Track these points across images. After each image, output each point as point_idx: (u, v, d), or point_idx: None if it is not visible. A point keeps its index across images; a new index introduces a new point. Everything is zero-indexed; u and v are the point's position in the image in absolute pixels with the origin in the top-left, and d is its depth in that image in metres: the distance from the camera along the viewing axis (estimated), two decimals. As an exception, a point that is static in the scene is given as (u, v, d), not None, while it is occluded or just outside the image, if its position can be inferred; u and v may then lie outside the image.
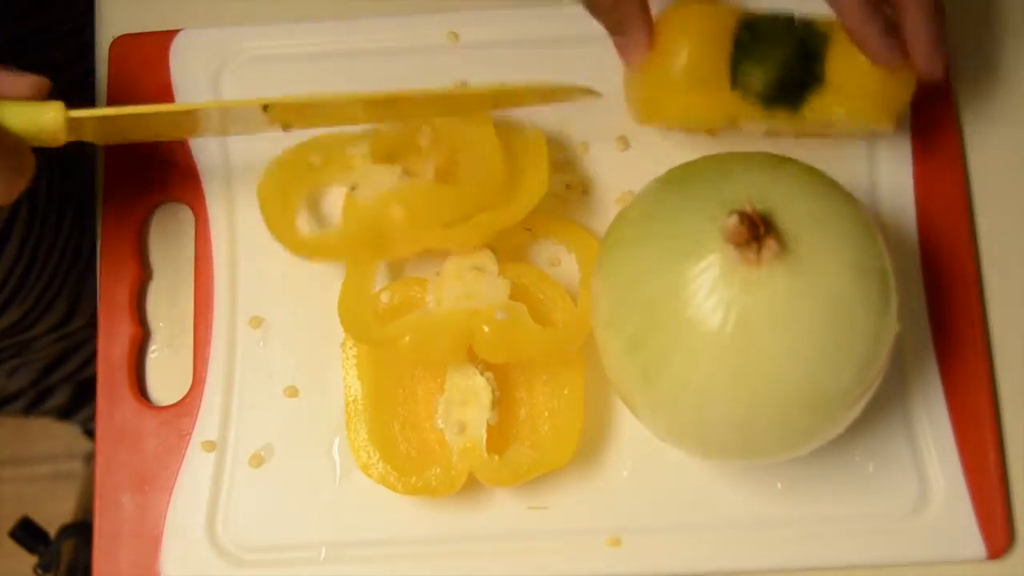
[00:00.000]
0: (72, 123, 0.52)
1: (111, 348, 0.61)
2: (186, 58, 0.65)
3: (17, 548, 1.04)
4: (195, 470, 0.59)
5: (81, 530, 1.02)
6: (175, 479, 0.59)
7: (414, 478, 0.55)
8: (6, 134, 0.50)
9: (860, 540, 0.57)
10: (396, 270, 0.61)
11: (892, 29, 0.54)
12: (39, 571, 1.02)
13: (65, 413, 1.05)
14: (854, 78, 0.55)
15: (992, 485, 0.57)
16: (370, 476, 0.56)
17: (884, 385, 0.51)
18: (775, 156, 0.52)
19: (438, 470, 0.55)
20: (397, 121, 0.60)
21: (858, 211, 0.50)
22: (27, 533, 1.04)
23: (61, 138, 0.52)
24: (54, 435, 1.34)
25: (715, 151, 0.54)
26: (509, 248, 0.60)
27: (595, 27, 0.57)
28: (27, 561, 1.04)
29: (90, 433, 1.17)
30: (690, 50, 0.55)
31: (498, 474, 0.55)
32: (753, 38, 0.56)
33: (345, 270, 0.58)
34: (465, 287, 0.56)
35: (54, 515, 1.16)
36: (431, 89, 0.60)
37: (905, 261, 0.60)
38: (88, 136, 0.55)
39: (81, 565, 0.99)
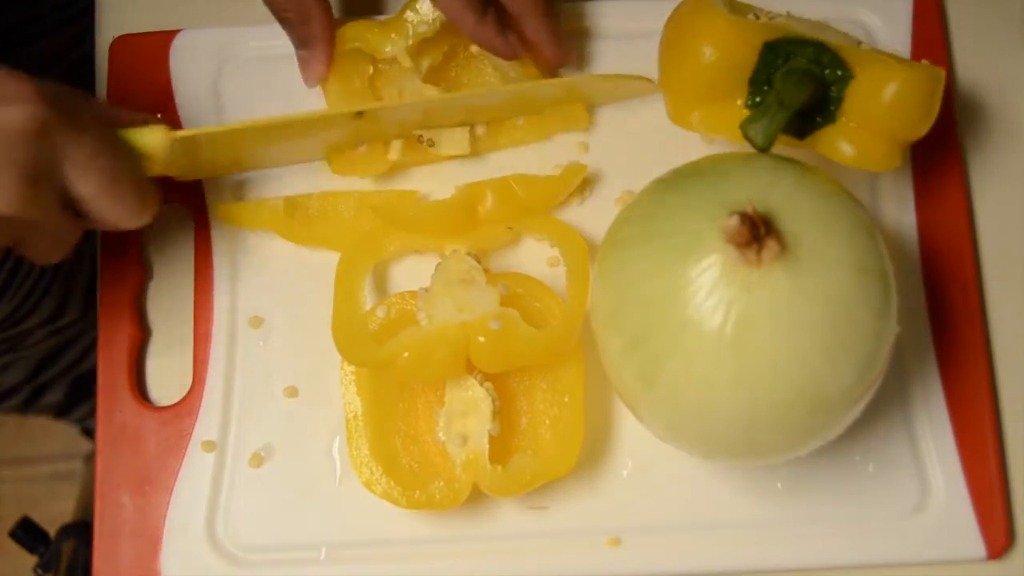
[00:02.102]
0: (176, 145, 0.54)
1: (111, 349, 0.61)
2: (186, 58, 0.65)
3: (17, 548, 1.04)
4: (195, 470, 0.59)
5: (81, 530, 1.02)
6: (175, 479, 0.59)
7: (418, 492, 0.55)
8: (134, 157, 0.54)
9: (861, 540, 0.57)
10: (381, 285, 0.61)
11: (504, 28, 0.59)
12: (39, 571, 1.02)
13: (61, 411, 1.05)
14: (869, 120, 0.54)
15: (992, 485, 0.57)
16: (373, 492, 0.55)
17: (884, 386, 0.51)
18: (776, 156, 0.52)
19: (441, 483, 0.55)
20: (458, 124, 0.62)
21: (858, 211, 0.50)
22: (27, 533, 1.04)
23: (162, 160, 0.55)
24: (54, 435, 1.35)
25: (716, 151, 0.54)
26: (494, 251, 0.61)
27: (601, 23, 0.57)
28: (27, 561, 1.04)
29: (88, 433, 1.17)
30: (713, 66, 0.54)
31: (502, 485, 0.55)
32: (768, 84, 0.54)
33: (334, 289, 0.58)
34: (455, 301, 0.56)
35: (54, 515, 1.16)
36: (495, 88, 0.62)
37: (905, 261, 0.60)
38: (184, 168, 0.57)
39: (81, 565, 0.99)
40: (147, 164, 0.55)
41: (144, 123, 0.55)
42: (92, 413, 1.03)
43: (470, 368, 0.56)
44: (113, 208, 0.52)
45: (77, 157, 0.50)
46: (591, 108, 0.63)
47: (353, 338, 0.57)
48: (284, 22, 0.60)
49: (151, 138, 0.54)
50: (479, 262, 0.57)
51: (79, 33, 0.80)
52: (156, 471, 0.59)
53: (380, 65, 0.63)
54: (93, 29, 0.67)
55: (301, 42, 0.61)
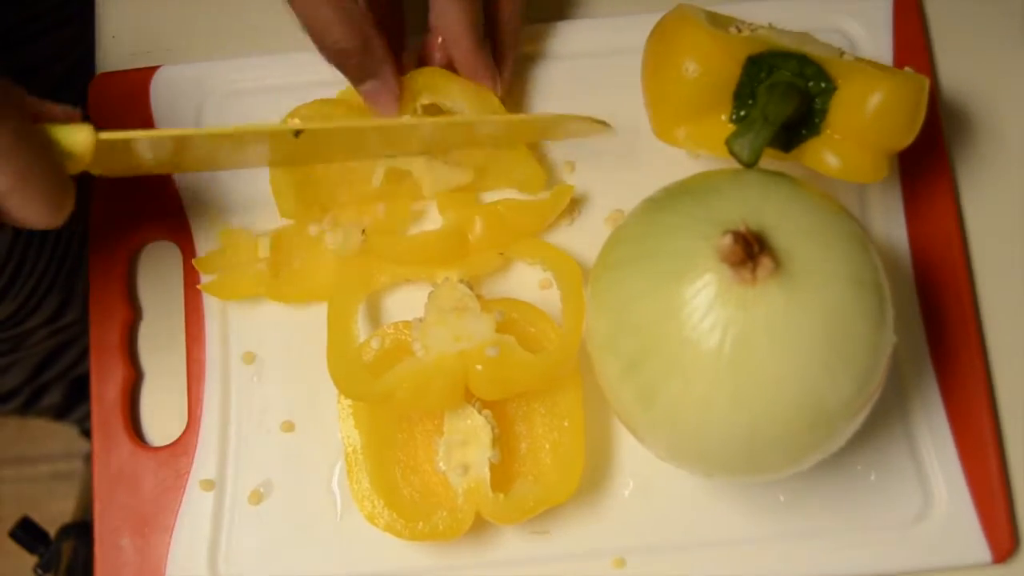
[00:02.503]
0: (99, 146, 0.51)
1: (105, 390, 0.60)
2: (167, 94, 0.64)
3: (17, 548, 1.04)
4: (195, 509, 0.58)
5: (81, 530, 1.02)
6: (175, 520, 0.58)
7: (420, 523, 0.55)
8: (54, 153, 0.50)
9: (866, 550, 0.57)
10: (374, 315, 0.61)
11: (495, 64, 0.58)
12: (39, 571, 1.02)
13: (60, 413, 1.05)
14: (855, 131, 0.54)
15: (994, 489, 0.57)
16: (376, 525, 0.55)
17: (883, 396, 0.51)
18: (765, 171, 0.52)
19: (444, 513, 0.55)
20: (409, 154, 0.60)
21: (850, 224, 0.50)
22: (27, 533, 1.05)
23: (86, 162, 0.51)
24: (54, 435, 1.35)
25: (704, 168, 0.54)
26: (486, 276, 0.61)
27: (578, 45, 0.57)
28: (27, 561, 1.05)
29: (87, 433, 1.17)
30: (696, 81, 0.54)
31: (505, 512, 0.54)
32: (752, 98, 0.54)
33: (327, 323, 0.58)
34: (451, 330, 0.55)
35: (54, 515, 1.16)
36: (442, 119, 0.59)
37: (897, 271, 0.60)
38: (107, 166, 0.54)
39: (80, 565, 0.99)
40: (69, 163, 0.51)
41: (69, 119, 0.52)
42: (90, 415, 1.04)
43: (468, 396, 0.56)
44: (23, 207, 0.48)
45: None
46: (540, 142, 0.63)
47: (349, 372, 0.56)
48: (343, 55, 0.56)
49: (77, 137, 0.51)
50: (472, 289, 0.57)
51: (78, 32, 0.80)
52: (155, 512, 0.59)
53: None
54: (92, 28, 0.67)
55: (365, 73, 0.57)
